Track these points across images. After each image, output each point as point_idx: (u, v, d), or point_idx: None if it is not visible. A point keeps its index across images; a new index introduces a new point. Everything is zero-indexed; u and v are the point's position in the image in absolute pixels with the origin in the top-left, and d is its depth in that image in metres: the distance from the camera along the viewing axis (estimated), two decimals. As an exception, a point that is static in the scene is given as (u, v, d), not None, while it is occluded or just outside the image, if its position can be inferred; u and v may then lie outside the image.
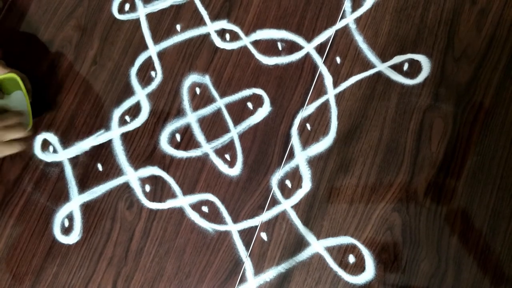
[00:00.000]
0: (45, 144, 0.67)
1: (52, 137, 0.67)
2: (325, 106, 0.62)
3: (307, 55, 0.64)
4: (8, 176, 0.66)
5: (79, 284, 0.61)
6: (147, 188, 0.63)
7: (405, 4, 0.63)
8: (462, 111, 0.59)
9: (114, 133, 0.66)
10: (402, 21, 0.63)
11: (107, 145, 0.66)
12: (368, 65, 0.62)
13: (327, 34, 0.64)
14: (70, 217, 0.64)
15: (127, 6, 0.70)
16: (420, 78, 0.61)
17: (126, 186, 0.64)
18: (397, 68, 0.62)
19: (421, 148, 0.59)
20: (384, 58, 0.62)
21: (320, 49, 0.64)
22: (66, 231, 0.63)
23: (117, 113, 0.66)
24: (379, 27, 0.63)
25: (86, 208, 0.64)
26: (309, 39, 0.65)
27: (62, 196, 0.64)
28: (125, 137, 0.66)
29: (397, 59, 0.62)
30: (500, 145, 0.57)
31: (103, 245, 0.62)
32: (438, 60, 0.61)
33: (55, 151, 0.66)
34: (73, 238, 0.63)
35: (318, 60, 0.64)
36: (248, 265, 0.59)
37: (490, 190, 0.56)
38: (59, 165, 0.66)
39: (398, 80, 0.61)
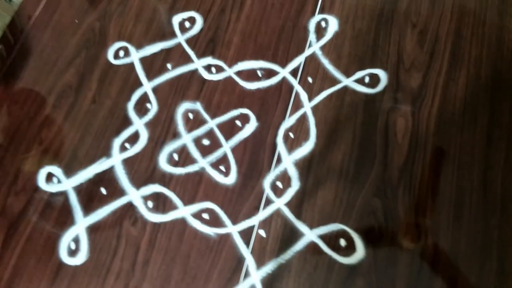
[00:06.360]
0: (49, 177, 0.72)
1: (56, 170, 0.72)
2: (303, 117, 0.72)
3: (284, 79, 0.75)
4: (12, 209, 0.70)
5: (88, 301, 0.64)
6: (150, 204, 0.68)
7: (359, 31, 0.77)
8: (418, 109, 0.70)
9: (115, 160, 0.72)
10: (358, 44, 0.76)
11: (110, 170, 0.71)
12: (335, 81, 0.74)
13: (298, 60, 0.76)
14: (76, 240, 0.67)
15: (121, 53, 0.81)
16: (380, 87, 0.72)
17: (129, 205, 0.69)
18: (360, 81, 0.73)
19: (389, 142, 0.68)
20: (348, 74, 0.74)
21: (294, 72, 0.75)
22: (73, 253, 0.66)
23: (117, 142, 0.73)
24: (341, 51, 0.76)
25: (92, 229, 0.68)
26: (283, 65, 0.76)
27: (68, 221, 0.68)
28: (126, 162, 0.72)
29: (359, 74, 0.74)
30: (452, 133, 0.68)
31: (110, 261, 0.65)
32: (393, 72, 0.73)
33: (59, 181, 0.71)
34: (80, 259, 0.66)
35: (293, 82, 0.75)
36: (250, 261, 0.63)
37: (451, 170, 0.65)
38: (63, 194, 0.70)
39: (362, 91, 0.72)
